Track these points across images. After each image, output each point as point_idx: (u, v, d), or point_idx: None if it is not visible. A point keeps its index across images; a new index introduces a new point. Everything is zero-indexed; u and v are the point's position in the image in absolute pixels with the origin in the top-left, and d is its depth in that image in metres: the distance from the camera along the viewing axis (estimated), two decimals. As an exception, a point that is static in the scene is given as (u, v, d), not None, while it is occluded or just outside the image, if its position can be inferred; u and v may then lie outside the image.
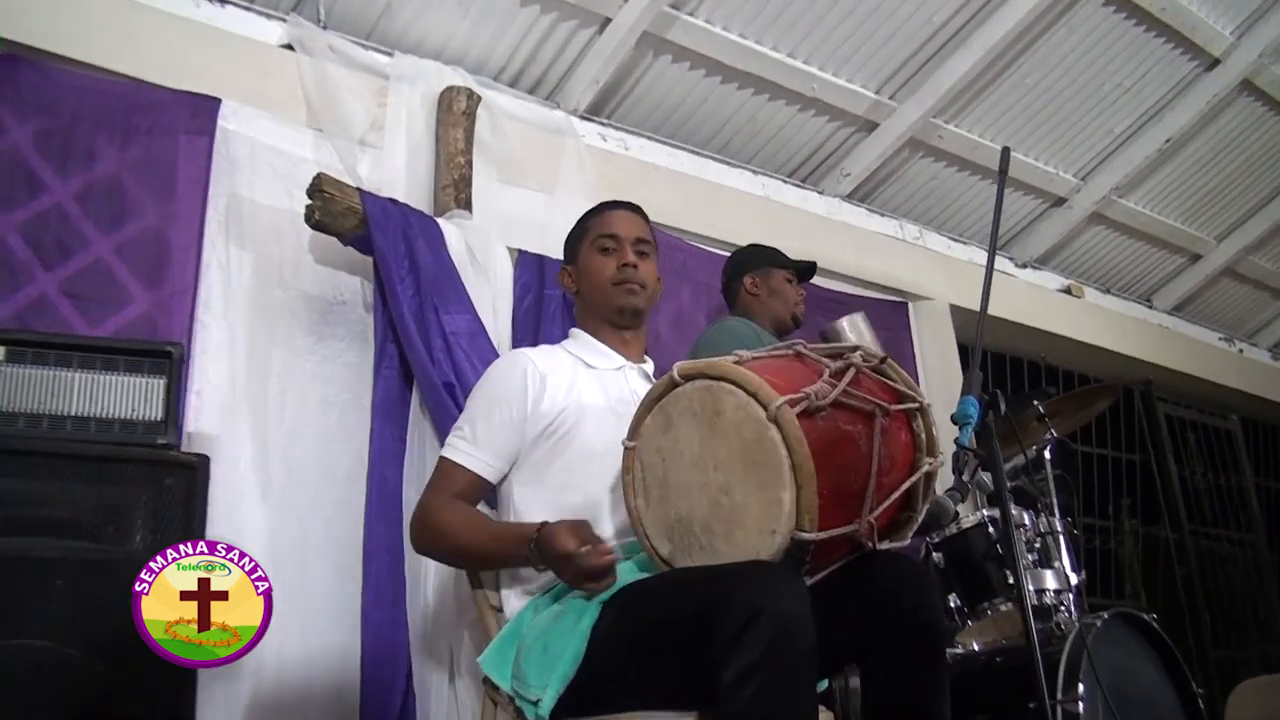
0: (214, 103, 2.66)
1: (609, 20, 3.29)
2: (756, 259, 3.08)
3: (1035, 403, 2.80)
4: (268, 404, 2.55)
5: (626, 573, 1.66)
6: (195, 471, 1.98)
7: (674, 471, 1.54)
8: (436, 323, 2.47)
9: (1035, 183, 4.62)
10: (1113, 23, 4.02)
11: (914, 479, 1.58)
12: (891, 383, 1.61)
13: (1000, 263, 4.83)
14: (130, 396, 2.02)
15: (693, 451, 1.51)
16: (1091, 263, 5.32)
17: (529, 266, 2.85)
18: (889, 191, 4.41)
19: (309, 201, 2.52)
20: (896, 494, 1.54)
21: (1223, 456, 6.16)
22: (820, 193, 4.19)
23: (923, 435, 1.63)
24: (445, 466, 1.87)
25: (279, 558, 2.38)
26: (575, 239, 2.13)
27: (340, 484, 2.57)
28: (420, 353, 2.43)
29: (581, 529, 1.62)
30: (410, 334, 2.45)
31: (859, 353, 1.58)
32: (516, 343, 2.72)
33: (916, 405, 1.61)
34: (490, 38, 3.25)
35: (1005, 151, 2.37)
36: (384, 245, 2.52)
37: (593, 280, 2.04)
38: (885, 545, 1.55)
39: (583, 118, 3.50)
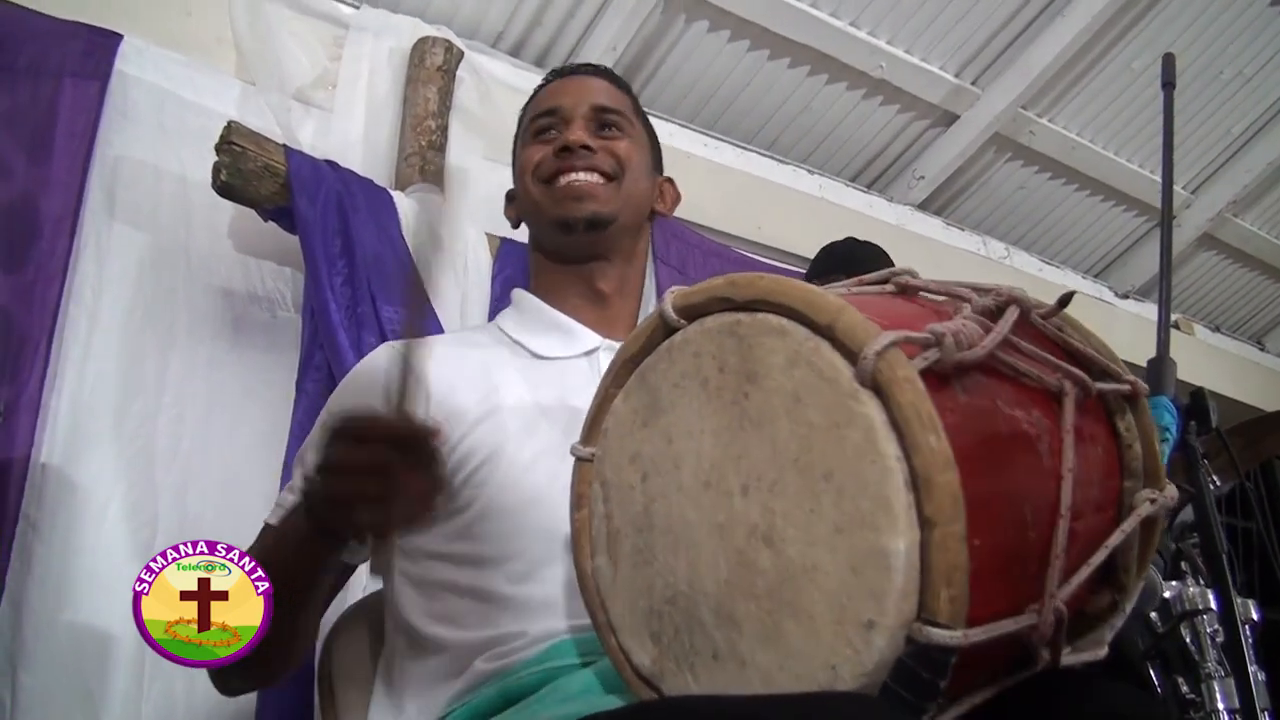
0: (113, 39, 2.03)
1: (629, -31, 2.67)
2: (810, 274, 2.43)
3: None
4: (157, 432, 1.90)
5: (576, 690, 0.91)
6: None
7: (665, 500, 0.76)
8: (374, 316, 1.81)
9: (1140, 195, 3.86)
10: (1237, -11, 3.32)
11: (1127, 528, 0.76)
12: (1078, 345, 0.82)
13: (1097, 290, 4.10)
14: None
15: (701, 457, 0.74)
16: (1199, 294, 4.55)
17: (513, 258, 2.17)
18: (970, 202, 3.70)
19: (215, 158, 1.89)
20: (1101, 555, 0.74)
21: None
22: (889, 199, 3.49)
23: (1136, 445, 0.81)
24: (261, 534, 1.12)
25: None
26: (515, 147, 1.32)
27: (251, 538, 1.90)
28: (346, 355, 1.75)
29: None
30: (334, 331, 1.78)
31: (1018, 291, 0.80)
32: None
33: (1128, 387, 0.82)
34: (485, -7, 2.64)
35: (1169, 59, 1.70)
36: (310, 217, 1.87)
37: (520, 186, 1.25)
38: (1072, 658, 0.76)
39: (598, 95, 2.85)
